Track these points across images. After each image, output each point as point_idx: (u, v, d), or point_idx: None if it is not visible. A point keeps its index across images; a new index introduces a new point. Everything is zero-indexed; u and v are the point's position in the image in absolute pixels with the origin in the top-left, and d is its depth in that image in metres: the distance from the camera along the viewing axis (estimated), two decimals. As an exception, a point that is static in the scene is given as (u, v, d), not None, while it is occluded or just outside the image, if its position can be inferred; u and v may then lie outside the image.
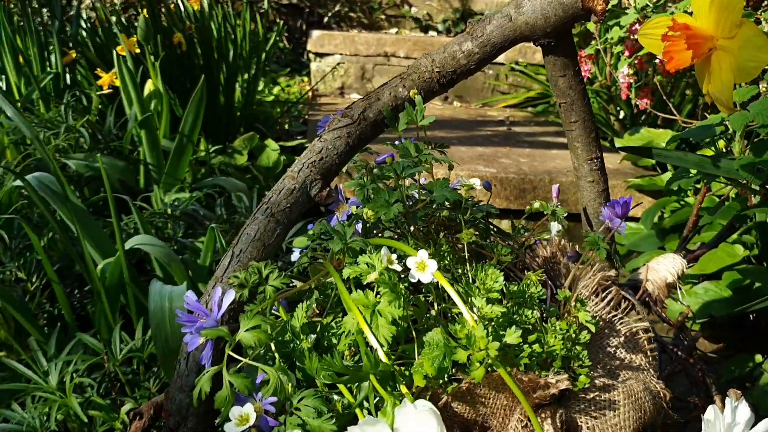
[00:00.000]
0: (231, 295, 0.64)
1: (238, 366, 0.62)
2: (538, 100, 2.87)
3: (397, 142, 0.78)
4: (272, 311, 0.71)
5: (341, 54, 2.91)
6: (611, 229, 0.79)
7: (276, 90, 2.63)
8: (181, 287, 0.87)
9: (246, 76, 2.12)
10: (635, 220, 1.78)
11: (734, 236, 1.48)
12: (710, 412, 0.57)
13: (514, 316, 0.67)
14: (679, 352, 0.96)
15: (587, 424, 0.65)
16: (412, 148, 0.76)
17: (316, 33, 2.94)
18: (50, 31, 1.70)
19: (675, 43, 0.69)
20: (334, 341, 0.68)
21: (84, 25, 1.83)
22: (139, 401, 0.89)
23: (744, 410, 0.58)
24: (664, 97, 1.49)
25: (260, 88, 2.42)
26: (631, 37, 1.65)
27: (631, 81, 1.69)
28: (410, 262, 0.65)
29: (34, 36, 1.59)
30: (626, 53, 1.65)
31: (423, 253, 0.65)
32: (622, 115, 2.30)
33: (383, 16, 3.56)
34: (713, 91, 0.69)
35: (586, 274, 0.79)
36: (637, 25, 1.63)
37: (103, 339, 0.98)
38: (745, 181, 0.96)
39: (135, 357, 0.93)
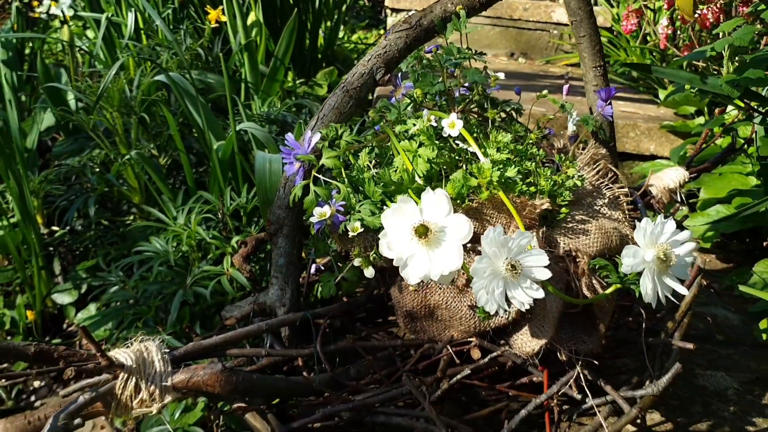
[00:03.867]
0: (317, 136, 0.92)
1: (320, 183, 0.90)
2: (599, 59, 3.04)
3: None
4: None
5: (416, 9, 3.15)
6: (604, 114, 1.03)
7: (354, 38, 2.91)
8: (277, 155, 1.16)
9: (329, 23, 2.40)
10: (666, 158, 1.98)
11: (749, 168, 1.67)
12: (644, 221, 0.81)
13: (518, 163, 0.92)
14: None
15: (564, 241, 0.90)
16: (454, 50, 1.02)
17: (394, -11, 3.19)
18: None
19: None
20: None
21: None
22: (244, 238, 1.19)
23: (671, 224, 0.82)
24: (698, 46, 1.68)
25: (340, 35, 2.70)
26: (672, -9, 1.85)
27: (669, 32, 1.88)
28: (444, 122, 0.92)
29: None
30: (666, 6, 1.84)
31: (453, 116, 0.91)
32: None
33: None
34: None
35: (577, 151, 1.04)
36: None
37: (215, 199, 1.28)
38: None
39: (241, 209, 1.23)
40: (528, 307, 0.76)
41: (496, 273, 0.76)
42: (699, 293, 1.44)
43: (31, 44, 2.43)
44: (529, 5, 3.10)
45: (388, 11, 3.21)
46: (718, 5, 1.86)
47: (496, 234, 0.75)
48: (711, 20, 1.87)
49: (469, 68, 1.02)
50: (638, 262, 0.79)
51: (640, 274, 0.81)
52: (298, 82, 2.05)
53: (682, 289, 0.81)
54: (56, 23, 3.22)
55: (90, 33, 2.78)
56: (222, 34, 1.91)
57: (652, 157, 2.02)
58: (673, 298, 0.82)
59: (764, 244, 0.98)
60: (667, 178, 1.37)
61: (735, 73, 1.15)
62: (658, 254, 0.79)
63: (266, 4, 2.04)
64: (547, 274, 0.76)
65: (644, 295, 0.80)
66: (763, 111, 1.16)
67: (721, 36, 1.33)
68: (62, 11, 1.87)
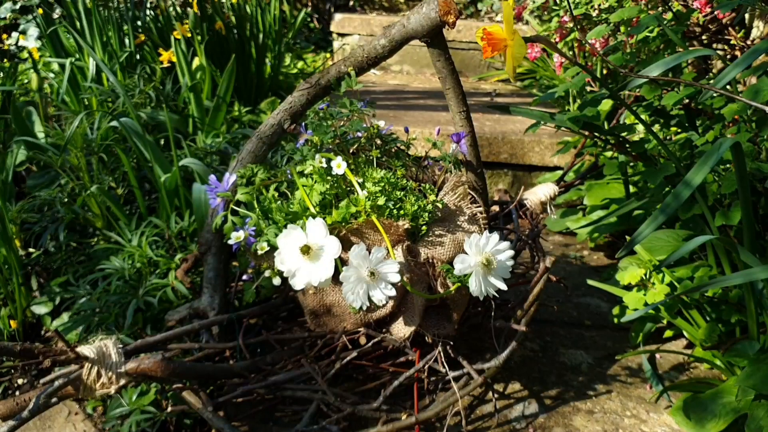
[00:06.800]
0: (234, 177, 1.19)
1: (236, 214, 1.17)
2: (526, 75, 3.34)
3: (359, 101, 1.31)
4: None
5: (359, 34, 3.44)
6: (461, 151, 1.31)
7: (300, 64, 3.18)
8: (212, 187, 1.43)
9: (274, 53, 2.68)
10: (562, 168, 2.28)
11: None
12: (474, 237, 1.09)
13: (388, 194, 1.20)
14: (526, 238, 1.48)
15: (424, 251, 1.18)
16: (348, 103, 1.30)
17: (338, 16, 3.47)
18: (125, 19, 2.28)
19: (489, 41, 1.21)
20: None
21: (149, 14, 2.40)
22: (186, 255, 1.46)
23: (495, 237, 1.10)
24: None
25: (286, 62, 2.97)
26: (561, 28, 2.14)
27: (563, 61, 2.17)
28: (333, 163, 1.19)
29: (114, 23, 2.16)
30: (558, 39, 2.14)
31: (339, 158, 1.19)
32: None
33: (402, 0, 4.06)
34: (507, 68, 1.21)
35: (447, 178, 1.32)
36: (565, 17, 2.13)
37: (163, 223, 1.55)
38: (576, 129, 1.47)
39: (184, 231, 1.50)
40: (385, 302, 1.04)
41: (360, 278, 1.03)
42: (577, 288, 1.75)
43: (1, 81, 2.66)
44: (462, 27, 3.39)
45: (335, 35, 3.50)
46: (603, 37, 2.16)
47: (360, 250, 1.03)
48: (599, 49, 2.17)
49: (358, 119, 1.29)
50: (465, 266, 1.07)
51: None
52: (244, 110, 2.32)
53: (502, 285, 1.10)
54: (24, 54, 3.46)
55: (56, 66, 3.02)
56: (173, 73, 2.17)
57: (555, 168, 2.32)
58: (495, 293, 1.10)
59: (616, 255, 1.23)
60: (539, 192, 1.66)
61: (578, 109, 1.45)
62: (482, 260, 1.07)
63: (214, 44, 2.30)
64: (397, 278, 1.04)
65: (472, 291, 1.08)
66: (602, 138, 1.45)
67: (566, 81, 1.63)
68: (32, 58, 2.11)
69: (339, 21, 3.45)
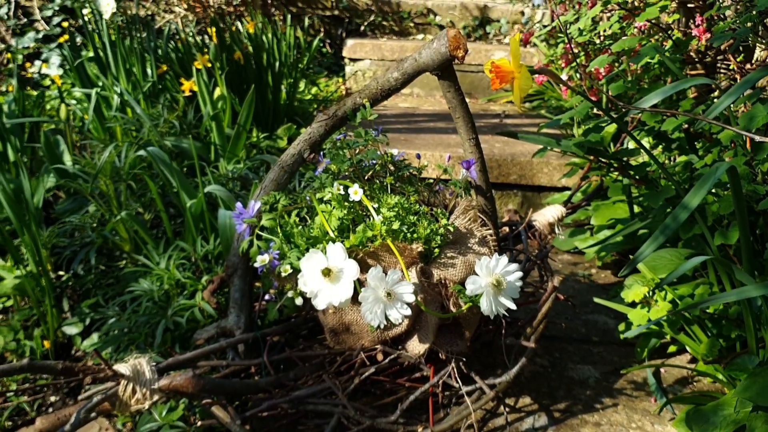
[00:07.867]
0: (258, 204, 1.27)
1: (261, 238, 1.25)
2: (535, 96, 3.42)
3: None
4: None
5: (370, 59, 3.54)
6: (471, 176, 1.39)
7: (314, 90, 3.28)
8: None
9: (290, 80, 2.77)
10: (569, 189, 2.35)
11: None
12: (484, 259, 1.16)
13: (402, 218, 1.27)
14: (535, 258, 1.55)
15: (437, 272, 1.25)
16: (363, 132, 1.38)
17: (350, 42, 3.57)
18: (147, 49, 2.38)
19: (497, 74, 1.29)
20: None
21: (170, 45, 2.51)
22: (212, 277, 1.53)
23: (504, 260, 1.17)
24: (595, 95, 2.05)
25: (301, 88, 3.07)
26: (567, 54, 2.22)
27: (570, 84, 2.25)
28: (350, 190, 1.27)
29: (138, 54, 2.26)
30: (563, 64, 2.22)
31: (356, 185, 1.26)
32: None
33: (412, 24, 4.16)
34: (514, 98, 1.28)
35: (458, 202, 1.39)
36: (569, 45, 2.21)
37: (189, 246, 1.63)
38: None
39: (209, 254, 1.58)
40: (401, 320, 1.11)
41: (377, 299, 1.11)
42: (585, 305, 1.81)
43: (25, 102, 2.77)
44: (471, 50, 3.47)
45: (347, 60, 3.59)
46: (606, 66, 2.24)
47: (377, 272, 1.10)
48: (603, 73, 2.25)
49: (372, 148, 1.37)
50: (477, 287, 1.14)
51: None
52: (261, 136, 2.41)
53: (512, 305, 1.16)
54: (47, 81, 3.58)
55: (78, 93, 3.13)
56: (195, 102, 2.27)
57: (563, 189, 2.39)
58: (505, 312, 1.17)
59: (619, 274, 1.28)
60: (548, 214, 1.73)
61: (583, 135, 1.52)
62: (492, 281, 1.14)
63: (233, 73, 2.40)
64: (412, 298, 1.12)
65: (483, 310, 1.15)
66: (606, 162, 1.53)
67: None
68: (58, 89, 2.21)
69: (351, 46, 3.54)
